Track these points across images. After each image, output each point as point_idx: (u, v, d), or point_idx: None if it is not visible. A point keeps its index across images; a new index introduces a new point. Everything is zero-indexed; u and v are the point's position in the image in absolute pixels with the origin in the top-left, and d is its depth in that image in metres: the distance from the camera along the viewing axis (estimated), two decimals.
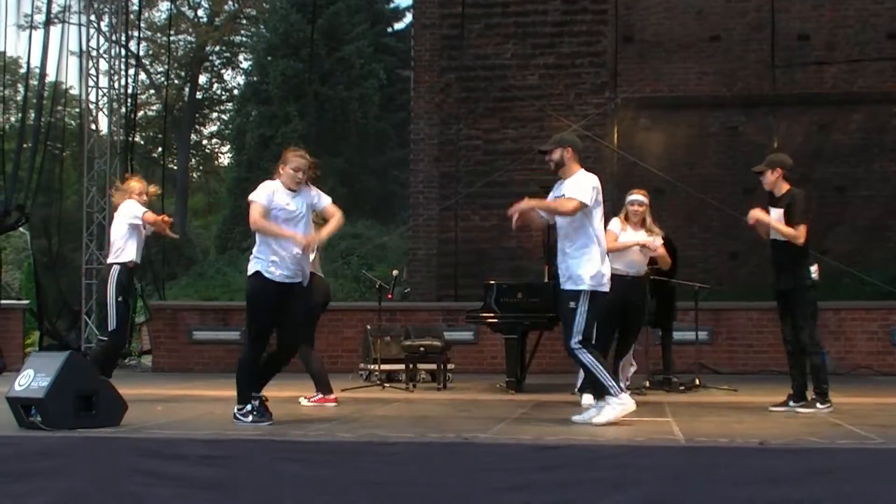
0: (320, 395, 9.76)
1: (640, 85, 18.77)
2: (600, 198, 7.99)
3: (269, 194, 7.83)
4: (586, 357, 7.89)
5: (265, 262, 7.74)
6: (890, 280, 16.53)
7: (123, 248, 9.78)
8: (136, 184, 10.06)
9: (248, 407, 7.79)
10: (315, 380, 9.82)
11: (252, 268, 7.80)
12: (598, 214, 8.02)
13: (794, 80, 18.27)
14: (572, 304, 7.90)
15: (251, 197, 7.81)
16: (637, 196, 10.25)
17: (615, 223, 10.04)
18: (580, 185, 7.94)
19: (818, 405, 8.87)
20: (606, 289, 7.97)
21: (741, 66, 18.60)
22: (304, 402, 9.76)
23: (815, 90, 18.33)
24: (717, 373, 13.82)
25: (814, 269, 9.19)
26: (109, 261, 9.88)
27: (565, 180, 8.11)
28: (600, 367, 7.90)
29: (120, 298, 9.65)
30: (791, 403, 9.10)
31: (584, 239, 7.92)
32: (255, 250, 7.83)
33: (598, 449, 6.50)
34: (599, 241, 7.97)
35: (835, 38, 18.50)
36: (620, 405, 7.81)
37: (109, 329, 9.75)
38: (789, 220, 9.06)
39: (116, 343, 9.89)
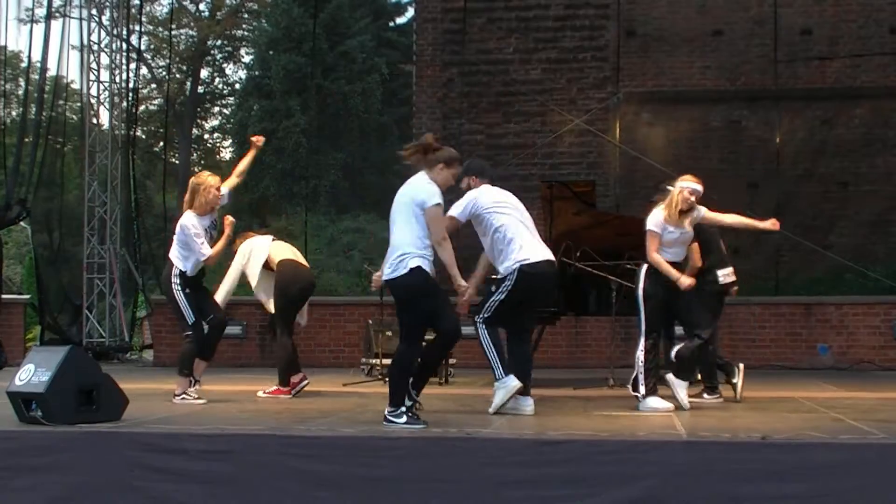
0: (275, 388, 9.96)
1: (643, 79, 18.75)
2: (474, 209, 8.43)
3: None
4: (485, 335, 8.22)
5: (427, 258, 7.54)
6: (892, 275, 16.51)
7: (179, 256, 9.28)
8: (211, 178, 9.34)
9: (403, 408, 7.39)
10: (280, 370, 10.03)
11: (413, 263, 7.43)
12: (483, 220, 8.45)
13: (797, 75, 18.27)
14: (493, 288, 8.28)
15: (438, 201, 7.55)
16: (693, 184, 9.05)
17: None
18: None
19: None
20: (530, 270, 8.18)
21: (744, 60, 18.58)
22: (260, 394, 9.97)
23: (818, 85, 18.32)
24: (718, 367, 13.79)
25: (724, 272, 9.54)
26: (172, 256, 9.37)
27: None
28: (495, 348, 8.15)
29: (187, 290, 9.23)
30: (706, 396, 9.38)
31: (491, 245, 8.40)
32: (415, 247, 7.49)
33: (599, 444, 6.49)
34: (501, 232, 8.34)
35: (837, 33, 18.48)
36: (504, 388, 8.02)
37: (189, 323, 9.25)
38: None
39: (196, 336, 9.31)
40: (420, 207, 7.45)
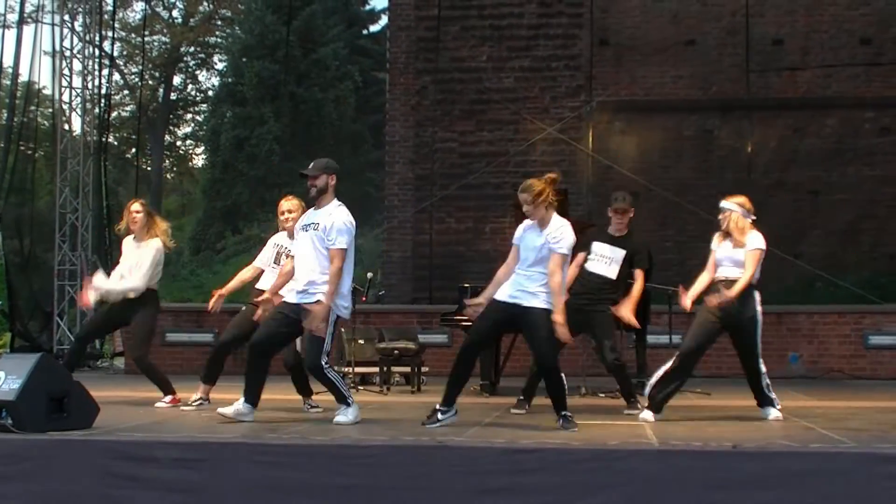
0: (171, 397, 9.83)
1: (616, 88, 18.80)
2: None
3: None
4: (332, 374, 8.22)
5: None
6: (863, 284, 16.61)
7: None
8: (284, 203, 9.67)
9: None
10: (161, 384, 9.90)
11: None
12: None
13: (769, 85, 18.36)
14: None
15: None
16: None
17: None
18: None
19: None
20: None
21: (716, 70, 18.68)
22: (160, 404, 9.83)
23: (790, 95, 18.43)
24: (693, 377, 13.81)
25: None
26: None
27: (320, 209, 8.37)
28: (341, 380, 8.34)
29: None
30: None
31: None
32: None
33: (571, 452, 6.50)
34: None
35: (809, 44, 18.61)
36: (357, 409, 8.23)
37: None
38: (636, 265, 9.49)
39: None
40: None
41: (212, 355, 9.71)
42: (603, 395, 10.92)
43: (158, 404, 9.68)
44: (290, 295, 8.22)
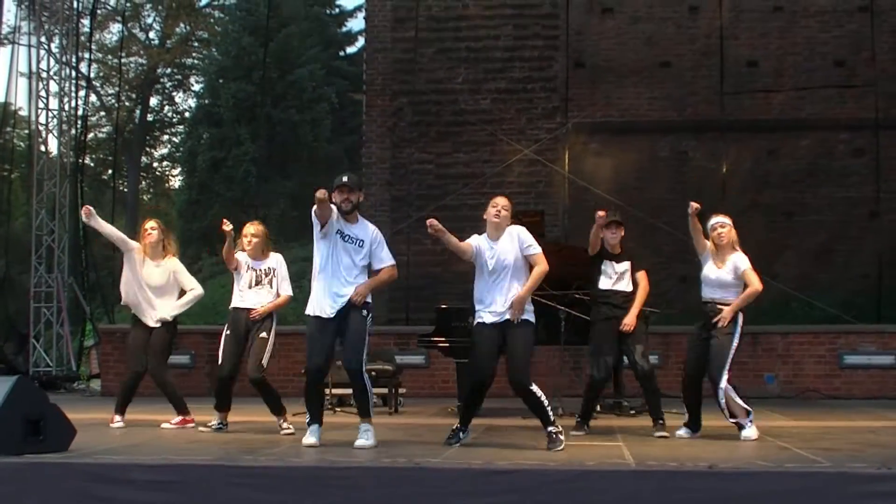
0: (181, 418, 10.00)
1: (591, 110, 18.90)
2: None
3: None
4: (368, 379, 8.32)
5: None
6: (837, 304, 16.69)
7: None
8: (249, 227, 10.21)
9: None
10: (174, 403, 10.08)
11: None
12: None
13: (743, 107, 18.47)
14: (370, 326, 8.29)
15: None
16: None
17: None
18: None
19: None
20: None
21: (691, 91, 18.80)
22: (166, 426, 9.91)
23: (764, 116, 18.56)
24: (666, 396, 13.84)
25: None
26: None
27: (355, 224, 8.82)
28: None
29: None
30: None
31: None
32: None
33: (548, 473, 6.52)
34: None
35: (783, 66, 18.77)
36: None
37: None
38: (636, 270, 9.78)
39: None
40: None
41: (219, 388, 9.62)
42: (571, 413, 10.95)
43: (165, 425, 9.75)
44: (325, 309, 8.33)
